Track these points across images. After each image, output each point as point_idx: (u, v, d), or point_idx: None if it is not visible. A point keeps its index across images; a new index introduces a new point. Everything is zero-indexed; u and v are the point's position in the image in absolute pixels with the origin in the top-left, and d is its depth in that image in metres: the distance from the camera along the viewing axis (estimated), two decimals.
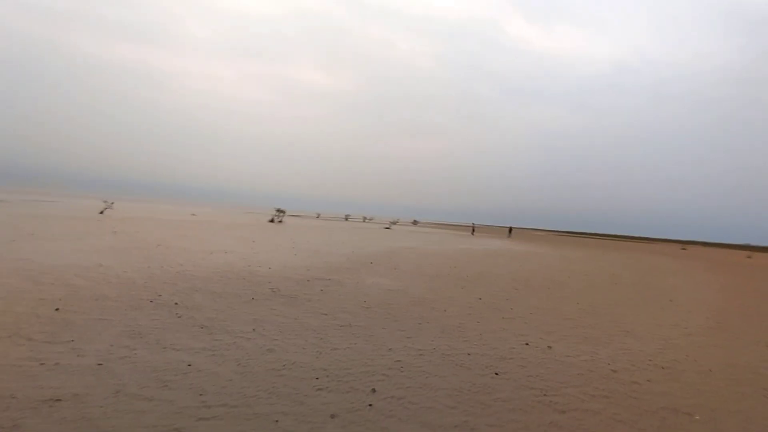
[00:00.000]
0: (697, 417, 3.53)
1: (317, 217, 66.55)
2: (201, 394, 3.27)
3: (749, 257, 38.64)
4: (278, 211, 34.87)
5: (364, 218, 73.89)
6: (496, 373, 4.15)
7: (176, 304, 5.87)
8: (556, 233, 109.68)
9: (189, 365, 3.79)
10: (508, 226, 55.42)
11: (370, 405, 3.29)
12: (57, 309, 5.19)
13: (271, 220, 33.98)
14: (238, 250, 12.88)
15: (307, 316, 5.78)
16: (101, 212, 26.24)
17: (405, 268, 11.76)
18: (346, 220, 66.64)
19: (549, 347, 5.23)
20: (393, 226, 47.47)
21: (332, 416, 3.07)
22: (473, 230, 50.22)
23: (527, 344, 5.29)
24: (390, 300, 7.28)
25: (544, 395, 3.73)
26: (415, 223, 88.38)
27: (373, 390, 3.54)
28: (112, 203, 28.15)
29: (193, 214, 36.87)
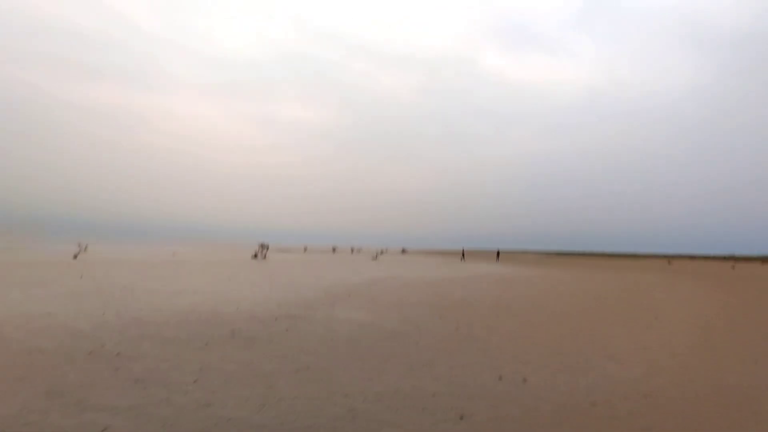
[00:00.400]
0: None
1: (304, 251, 65.62)
2: None
3: (733, 268, 38.94)
4: (261, 246, 34.16)
5: (352, 249, 73.18)
6: (461, 417, 3.71)
7: (118, 354, 5.32)
8: (545, 254, 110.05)
9: (104, 429, 3.28)
10: (497, 249, 55.28)
11: None
12: None
13: (255, 256, 33.24)
14: (210, 289, 12.29)
15: (263, 360, 5.28)
16: (75, 256, 25.30)
17: (383, 299, 11.29)
18: (334, 252, 65.89)
19: (524, 380, 4.81)
20: (380, 256, 46.94)
21: None
22: (463, 255, 49.86)
23: (500, 378, 4.87)
24: (359, 336, 6.81)
25: None
26: (403, 251, 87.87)
27: None
28: (86, 246, 27.22)
29: (174, 254, 35.90)
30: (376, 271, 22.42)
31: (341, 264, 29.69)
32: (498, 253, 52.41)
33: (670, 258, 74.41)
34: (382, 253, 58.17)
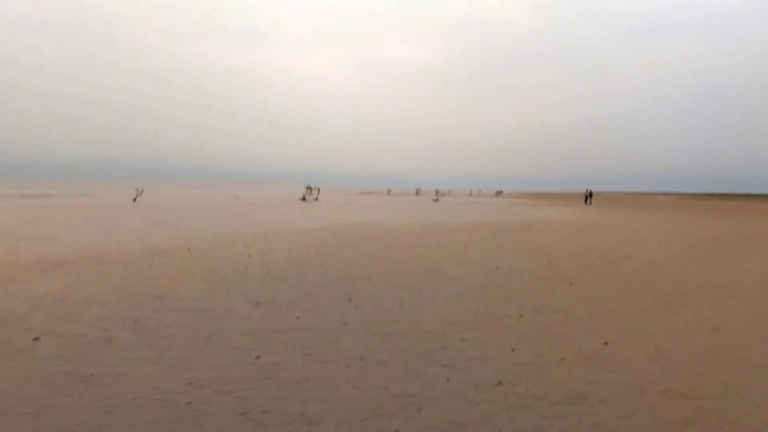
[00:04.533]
0: None
1: (388, 194, 64.17)
2: None
3: None
4: (308, 188, 33.21)
5: (437, 192, 69.04)
6: None
7: None
8: (683, 196, 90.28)
9: None
10: (589, 190, 43.68)
11: None
12: None
13: (303, 199, 32.50)
14: (86, 234, 10.99)
15: None
16: (134, 200, 27.46)
17: (279, 248, 8.45)
18: (417, 194, 63.31)
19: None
20: (442, 198, 43.00)
21: None
22: (587, 198, 40.75)
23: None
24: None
25: None
26: (498, 194, 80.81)
27: None
28: (143, 190, 29.44)
29: (237, 197, 37.41)
30: (386, 214, 19.28)
31: (380, 206, 27.01)
32: (590, 195, 41.92)
33: None
34: (444, 195, 54.06)
